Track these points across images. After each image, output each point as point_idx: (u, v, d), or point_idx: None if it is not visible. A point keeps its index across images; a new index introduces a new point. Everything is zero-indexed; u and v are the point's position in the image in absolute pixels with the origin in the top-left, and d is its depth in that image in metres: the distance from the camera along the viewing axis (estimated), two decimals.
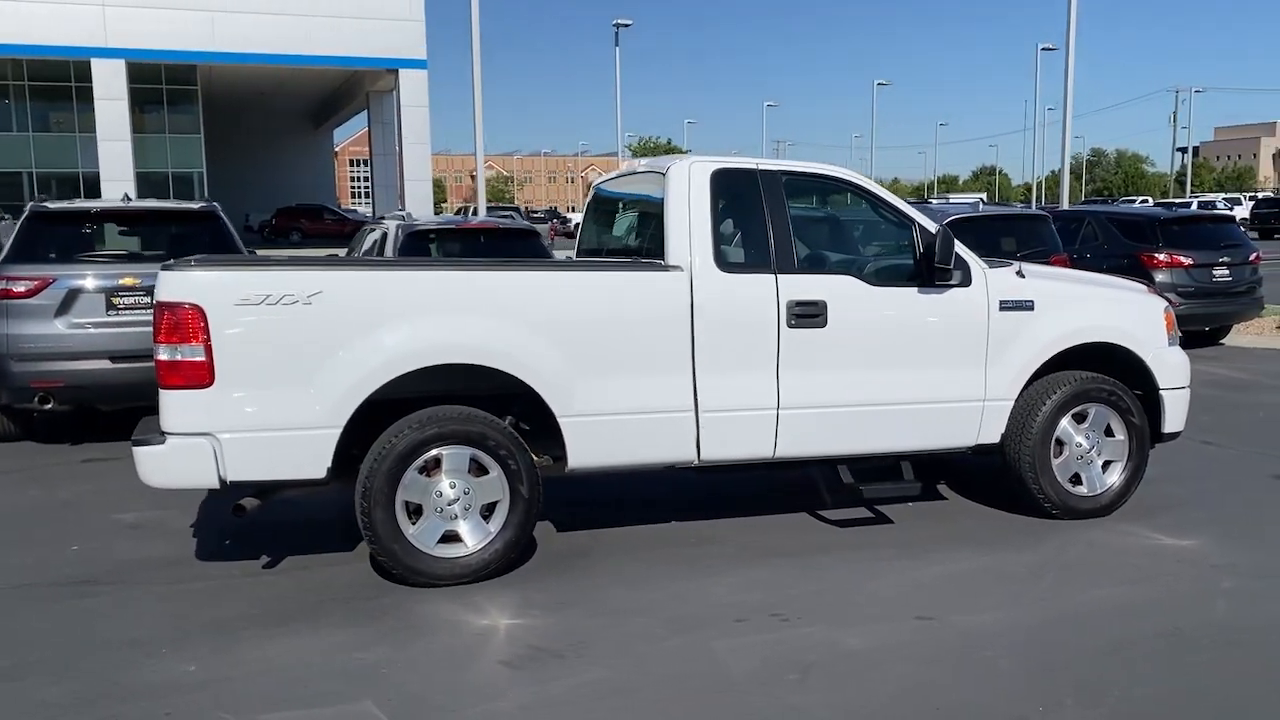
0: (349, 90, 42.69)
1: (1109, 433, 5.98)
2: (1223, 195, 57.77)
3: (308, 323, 4.72)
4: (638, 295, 5.20)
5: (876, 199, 5.75)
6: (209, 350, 4.61)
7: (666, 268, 5.25)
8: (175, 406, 4.65)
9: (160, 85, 36.15)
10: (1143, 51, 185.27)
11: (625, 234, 6.39)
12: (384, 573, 5.03)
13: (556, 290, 5.11)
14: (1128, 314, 6.06)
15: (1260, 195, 57.33)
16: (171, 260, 4.79)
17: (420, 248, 9.25)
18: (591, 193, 6.81)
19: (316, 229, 43.82)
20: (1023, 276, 5.84)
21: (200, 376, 4.62)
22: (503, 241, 9.82)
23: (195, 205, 8.69)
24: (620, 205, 6.56)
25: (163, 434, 4.70)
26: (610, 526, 5.86)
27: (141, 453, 4.68)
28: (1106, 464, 5.99)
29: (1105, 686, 3.85)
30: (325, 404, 4.75)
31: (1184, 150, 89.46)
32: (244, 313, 4.65)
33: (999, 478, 6.09)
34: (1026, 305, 5.76)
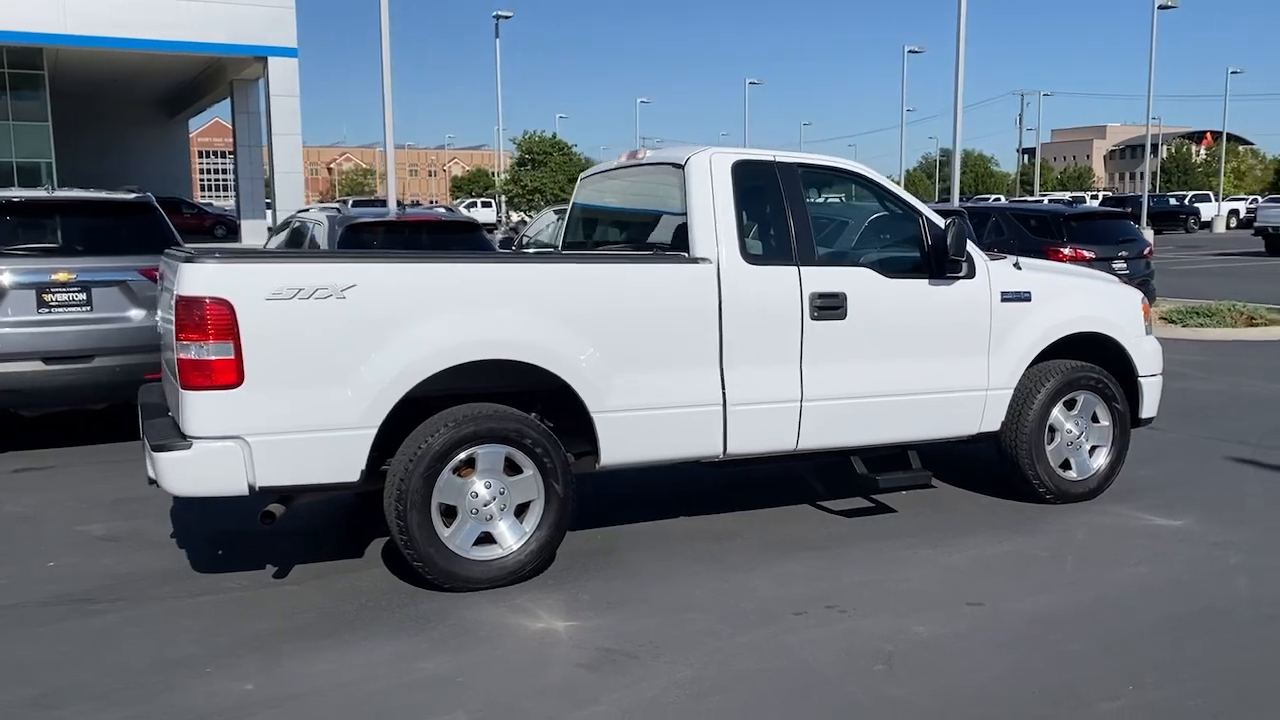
0: (211, 78, 40.87)
1: (1095, 419, 6.21)
2: (1069, 194, 60.89)
3: (342, 318, 4.48)
4: (669, 288, 5.12)
5: (886, 191, 5.82)
6: (238, 348, 4.33)
7: (695, 260, 5.19)
8: (202, 408, 4.34)
9: (2, 69, 33.84)
10: (989, 56, 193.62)
11: (628, 227, 6.29)
12: (412, 578, 4.83)
13: (591, 283, 4.99)
14: (1111, 304, 6.31)
15: (1102, 194, 60.81)
16: (191, 251, 4.46)
17: (361, 242, 8.92)
18: (579, 185, 6.68)
19: (174, 224, 41.72)
20: (1020, 269, 6.00)
21: (228, 376, 4.33)
22: (446, 235, 9.58)
23: (129, 196, 8.14)
24: (619, 198, 6.45)
25: (186, 438, 4.38)
26: (620, 524, 5.77)
27: (166, 458, 4.35)
28: (1093, 449, 6.22)
29: (1179, 663, 3.99)
30: (360, 403, 4.52)
31: (1028, 151, 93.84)
32: (275, 308, 4.38)
33: (975, 464, 6.26)
34: (1025, 296, 5.93)
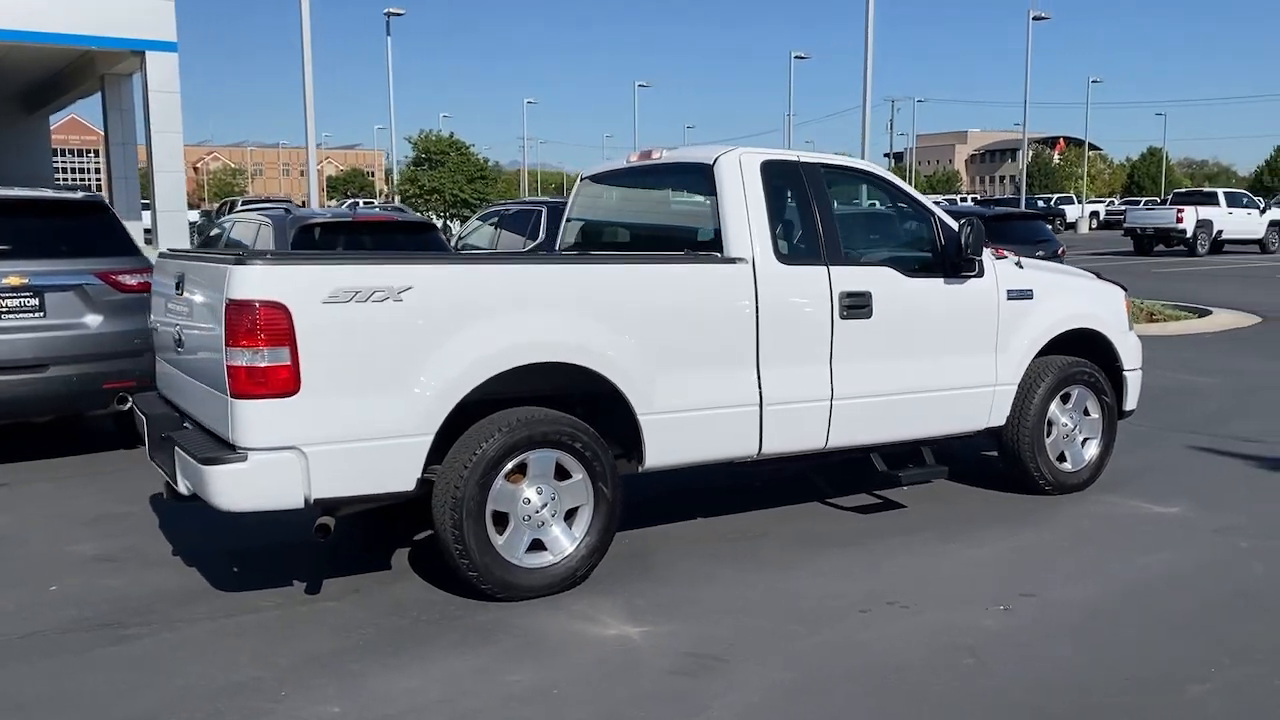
0: (79, 72, 38.76)
1: (1086, 412, 6.44)
2: (944, 197, 63.14)
3: (398, 321, 4.31)
4: (710, 289, 5.09)
5: (900, 191, 5.92)
6: (295, 354, 4.11)
7: (732, 260, 5.17)
8: (257, 418, 4.11)
9: None
10: (858, 61, 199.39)
11: (643, 229, 6.22)
12: (451, 588, 4.70)
13: (637, 284, 4.92)
14: (1100, 301, 6.55)
15: (970, 197, 63.22)
16: (241, 253, 4.22)
17: (315, 242, 8.63)
18: (579, 186, 6.58)
19: None
20: (1021, 268, 6.18)
21: (285, 384, 4.11)
22: (402, 235, 9.35)
23: (78, 195, 7.67)
24: (630, 199, 6.39)
25: (238, 449, 4.14)
26: (638, 528, 5.70)
27: (219, 472, 4.10)
28: (1084, 441, 6.45)
29: (1243, 645, 4.15)
30: (417, 409, 4.36)
31: (896, 156, 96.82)
32: (332, 311, 4.18)
33: (959, 457, 6.37)
34: (1028, 295, 6.11)
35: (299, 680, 3.87)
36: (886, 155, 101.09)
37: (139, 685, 3.85)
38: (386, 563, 5.19)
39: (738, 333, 5.13)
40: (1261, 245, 33.16)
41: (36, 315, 7.02)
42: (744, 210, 5.23)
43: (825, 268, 5.37)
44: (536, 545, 4.71)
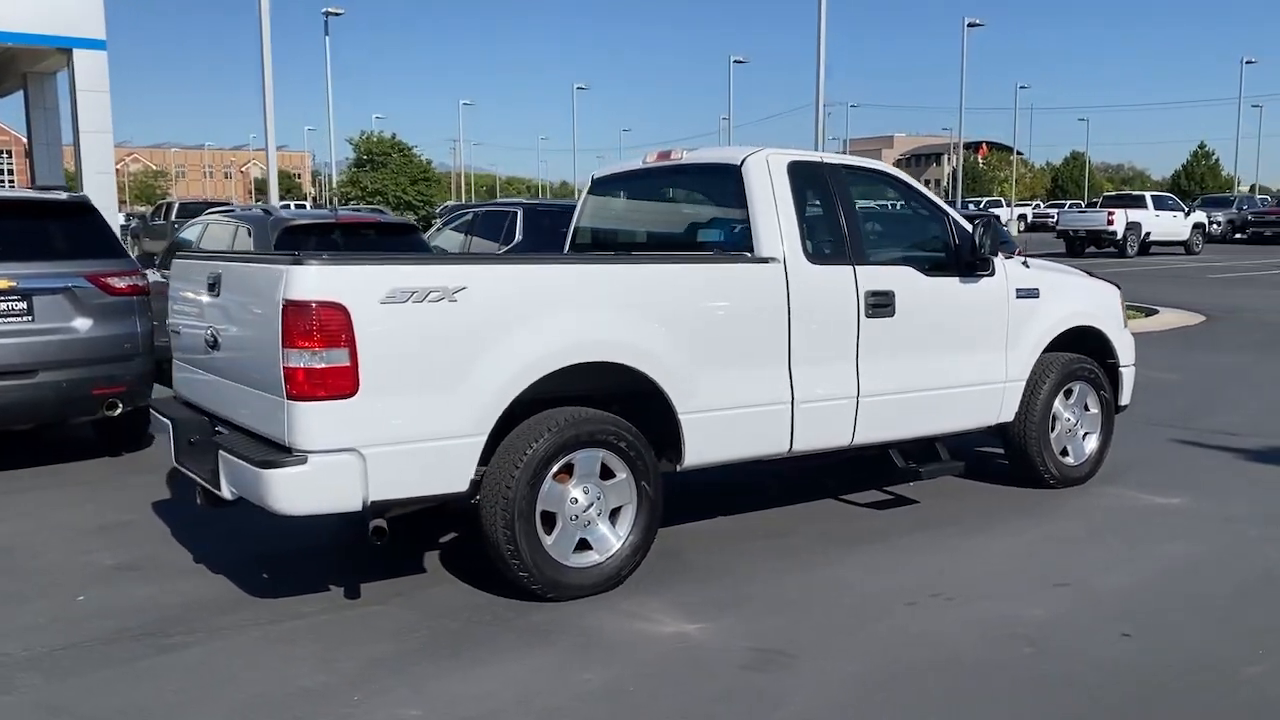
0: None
1: (1086, 407, 6.62)
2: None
3: (454, 321, 4.27)
4: (746, 288, 5.13)
5: (915, 192, 6.03)
6: (354, 355, 4.06)
7: (765, 260, 5.22)
8: (317, 420, 4.04)
9: None
10: (801, 66, 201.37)
11: (663, 228, 6.24)
12: (500, 589, 4.67)
13: (678, 283, 4.95)
14: (1099, 299, 6.75)
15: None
16: (298, 255, 4.14)
17: (300, 245, 8.50)
18: (591, 185, 6.58)
19: None
20: (1028, 266, 6.34)
21: (344, 385, 4.06)
22: (386, 237, 9.25)
23: (63, 196, 7.45)
24: (648, 199, 6.40)
25: (294, 452, 4.07)
26: (663, 525, 5.72)
27: (279, 476, 4.03)
28: (1085, 435, 6.63)
29: None
30: (472, 410, 4.33)
31: None
32: (389, 312, 4.13)
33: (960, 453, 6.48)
34: (1035, 293, 6.26)
35: (369, 684, 3.82)
36: None
37: (203, 694, 3.77)
38: (420, 565, 5.14)
39: (771, 332, 5.19)
40: (1186, 247, 34.29)
41: (24, 319, 6.81)
42: (774, 210, 5.28)
43: (851, 267, 5.45)
44: (582, 545, 4.71)
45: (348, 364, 4.05)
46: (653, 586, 4.81)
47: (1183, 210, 34.96)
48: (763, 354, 5.18)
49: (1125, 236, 32.05)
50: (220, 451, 4.39)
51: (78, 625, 4.42)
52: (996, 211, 55.07)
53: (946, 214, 5.98)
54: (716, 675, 3.91)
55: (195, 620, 4.46)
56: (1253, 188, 71.77)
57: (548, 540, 4.57)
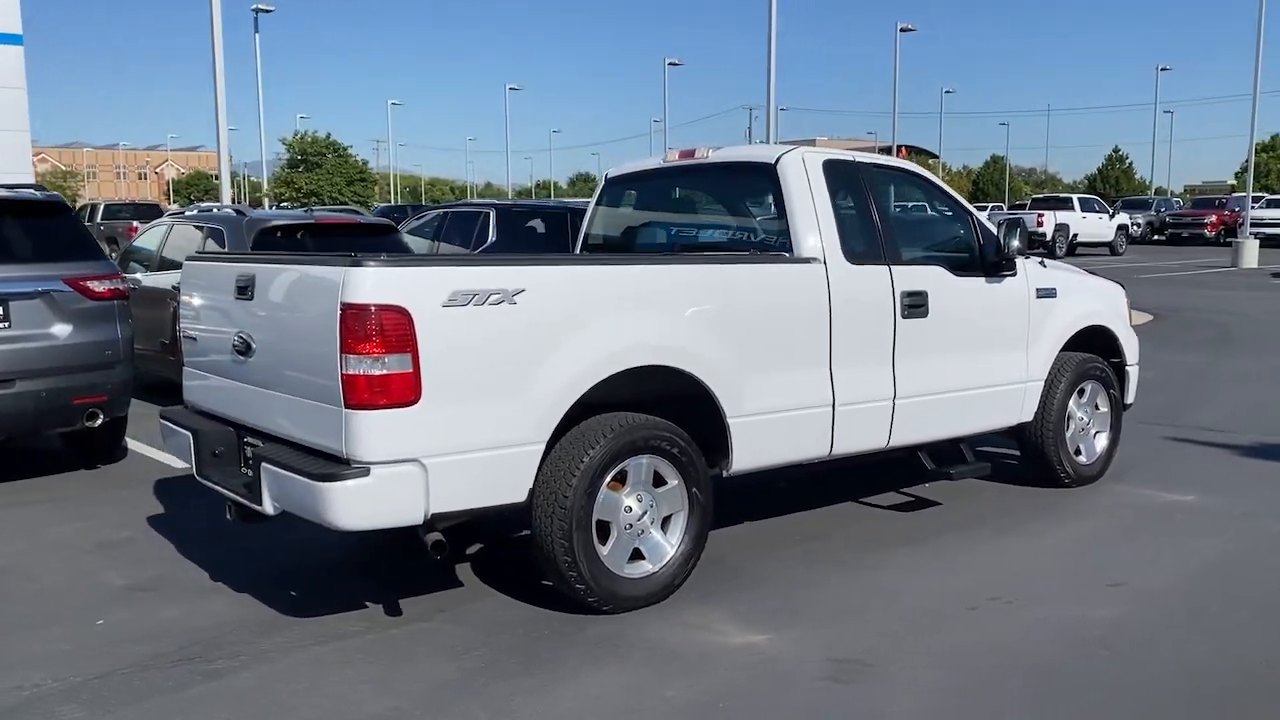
0: None
1: (1096, 406, 6.66)
2: None
3: (514, 325, 4.09)
4: (789, 289, 5.03)
5: (941, 192, 5.99)
6: (416, 361, 3.86)
7: (805, 260, 5.13)
8: (379, 429, 3.83)
9: None
10: (726, 69, 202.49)
11: (688, 228, 6.11)
12: (546, 601, 4.51)
13: (730, 286, 4.82)
14: (1108, 299, 6.80)
15: None
16: (355, 256, 3.92)
17: (277, 245, 8.21)
18: (606, 185, 6.42)
19: None
20: (1045, 266, 6.35)
21: (406, 392, 3.85)
22: (363, 238, 8.98)
23: (39, 195, 7.04)
24: (670, 198, 6.26)
25: (355, 464, 3.85)
26: None
27: (339, 489, 3.80)
28: (1096, 434, 6.67)
29: None
30: (532, 417, 4.16)
31: None
32: (451, 315, 3.94)
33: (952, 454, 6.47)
34: (1052, 293, 6.27)
35: (442, 707, 3.63)
36: None
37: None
38: (455, 579, 4.93)
39: (814, 334, 5.09)
40: (1110, 248, 35.24)
41: (1, 326, 6.42)
42: (812, 210, 5.19)
43: (887, 267, 5.38)
44: (635, 554, 4.56)
45: (410, 370, 3.85)
46: (705, 595, 4.68)
47: (1108, 212, 35.91)
48: (805, 356, 5.08)
49: (1054, 238, 32.78)
50: (264, 464, 4.14)
51: (105, 652, 4.13)
52: None
53: (970, 214, 5.95)
54: (803, 689, 3.79)
55: (235, 643, 4.21)
56: (1159, 190, 74.06)
57: (603, 550, 4.41)
